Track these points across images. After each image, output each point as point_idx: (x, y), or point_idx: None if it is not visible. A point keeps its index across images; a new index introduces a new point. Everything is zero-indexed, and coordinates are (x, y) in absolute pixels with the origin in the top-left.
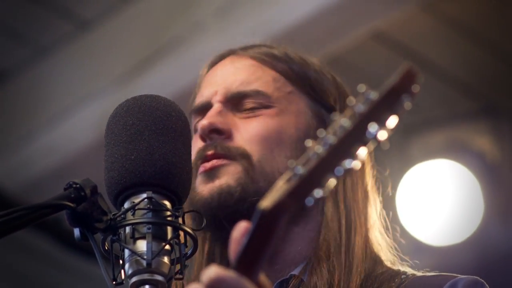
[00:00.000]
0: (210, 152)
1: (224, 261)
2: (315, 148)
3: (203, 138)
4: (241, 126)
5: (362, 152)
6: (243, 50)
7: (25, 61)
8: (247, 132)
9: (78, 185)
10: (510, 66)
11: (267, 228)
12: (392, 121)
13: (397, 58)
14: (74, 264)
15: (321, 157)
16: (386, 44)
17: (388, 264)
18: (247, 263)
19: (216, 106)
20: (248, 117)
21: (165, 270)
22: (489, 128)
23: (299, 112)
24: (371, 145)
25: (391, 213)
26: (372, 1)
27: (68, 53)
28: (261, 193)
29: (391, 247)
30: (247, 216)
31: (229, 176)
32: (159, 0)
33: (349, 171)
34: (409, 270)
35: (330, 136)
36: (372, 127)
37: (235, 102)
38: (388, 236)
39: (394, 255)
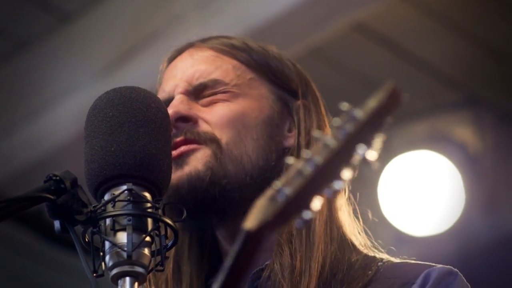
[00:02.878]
0: (179, 139)
1: (192, 252)
2: (299, 166)
3: None
4: (206, 111)
5: (348, 173)
6: (201, 42)
7: (5, 55)
8: (213, 116)
9: (58, 178)
10: (492, 57)
11: (252, 248)
12: (378, 140)
13: (378, 49)
14: (55, 256)
15: (309, 178)
16: (367, 35)
17: (362, 249)
18: (232, 283)
19: (178, 97)
20: (211, 103)
21: (146, 261)
22: (470, 119)
23: (261, 97)
24: (359, 166)
25: (373, 203)
26: None
27: (48, 46)
28: (230, 176)
29: (361, 231)
30: (218, 201)
31: (198, 161)
32: None
33: (338, 192)
34: (386, 257)
35: (315, 157)
36: (361, 148)
37: (197, 92)
38: (358, 221)
39: (367, 239)
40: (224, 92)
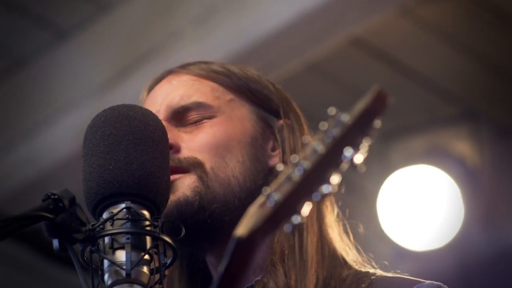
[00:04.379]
0: None
1: (183, 276)
2: (288, 173)
3: None
4: (188, 139)
5: (336, 177)
6: (180, 68)
7: (2, 72)
8: (195, 143)
9: (56, 196)
10: (490, 71)
11: (244, 256)
12: (365, 143)
13: (376, 64)
14: (54, 275)
15: (297, 183)
16: (365, 50)
17: (353, 264)
18: None
19: None
20: (193, 130)
21: (145, 280)
22: (469, 133)
23: (243, 118)
24: (346, 169)
25: (372, 218)
26: (350, 7)
27: (46, 64)
28: (219, 200)
29: (352, 247)
30: (208, 225)
31: (185, 187)
32: (137, 10)
33: (326, 196)
34: (378, 272)
35: (304, 162)
36: (348, 151)
37: (179, 117)
38: (348, 237)
39: (361, 254)
40: (206, 116)
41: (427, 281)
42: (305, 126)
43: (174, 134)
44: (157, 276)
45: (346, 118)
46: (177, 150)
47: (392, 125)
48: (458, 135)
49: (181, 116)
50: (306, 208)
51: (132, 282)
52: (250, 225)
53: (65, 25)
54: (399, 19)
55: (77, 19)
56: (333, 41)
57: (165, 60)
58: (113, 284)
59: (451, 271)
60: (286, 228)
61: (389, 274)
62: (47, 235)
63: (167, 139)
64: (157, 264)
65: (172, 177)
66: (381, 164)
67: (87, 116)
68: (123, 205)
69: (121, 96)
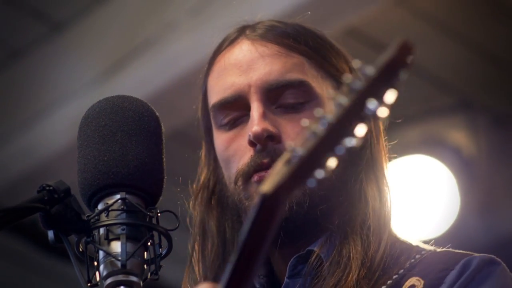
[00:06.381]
0: (266, 160)
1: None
2: (312, 127)
3: (252, 143)
4: (288, 128)
5: (362, 129)
6: (257, 32)
7: None
8: (296, 134)
9: (51, 188)
10: (485, 60)
11: (270, 212)
12: (390, 95)
13: (372, 54)
14: (50, 266)
15: (321, 137)
16: (360, 40)
17: (405, 239)
18: (251, 249)
19: (258, 107)
20: (292, 115)
21: (140, 270)
22: (464, 123)
23: (329, 99)
24: (371, 122)
25: None
26: None
27: (42, 55)
28: (326, 201)
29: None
30: (314, 225)
31: None
32: (132, 1)
33: (350, 150)
34: (428, 247)
35: (328, 115)
36: (372, 103)
37: (274, 95)
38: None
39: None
40: (305, 99)
41: (479, 254)
42: None
43: (273, 120)
44: (152, 267)
45: (370, 70)
46: (279, 141)
47: (387, 115)
48: (454, 124)
49: (276, 93)
50: (331, 163)
51: (127, 273)
52: (275, 181)
53: (61, 17)
54: (394, 8)
55: (72, 11)
56: (328, 31)
57: (160, 51)
58: (109, 275)
59: None
60: (310, 183)
61: (439, 249)
62: (42, 227)
63: (161, 130)
64: (152, 255)
65: None
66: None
67: (83, 107)
68: (118, 196)
69: (117, 88)
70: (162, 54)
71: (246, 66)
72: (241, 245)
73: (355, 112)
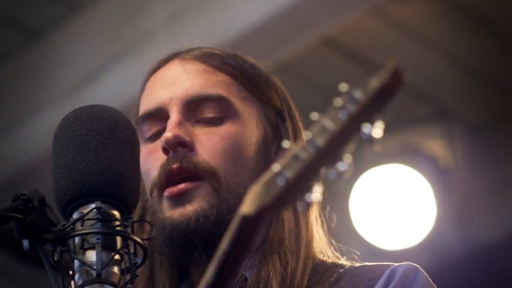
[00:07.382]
0: (175, 166)
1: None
2: (296, 150)
3: (165, 149)
4: (203, 139)
5: (350, 154)
6: (189, 54)
7: None
8: (210, 145)
9: (26, 197)
10: (461, 70)
11: (250, 234)
12: (380, 119)
13: (347, 64)
14: (25, 275)
15: (310, 161)
16: (336, 49)
17: (323, 258)
18: (227, 271)
19: (175, 116)
20: (211, 129)
21: (115, 280)
22: (440, 133)
23: (255, 119)
24: (364, 145)
25: (344, 217)
26: (321, 7)
27: (17, 64)
28: (233, 211)
29: (329, 246)
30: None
31: (201, 199)
32: (108, 10)
33: (343, 174)
34: (347, 263)
35: (316, 139)
36: (366, 127)
37: (193, 108)
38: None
39: (331, 251)
40: (225, 115)
41: (400, 263)
42: (300, 124)
43: (188, 130)
44: (127, 276)
45: (359, 94)
46: (192, 149)
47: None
48: (430, 134)
49: (196, 107)
50: (318, 187)
51: (102, 282)
52: (258, 203)
53: (36, 26)
54: (370, 18)
55: (48, 19)
56: (304, 41)
57: (137, 60)
58: (84, 284)
59: (424, 270)
60: (300, 206)
61: (357, 264)
62: (17, 236)
63: (137, 139)
64: (127, 264)
65: (185, 184)
66: (354, 163)
67: (59, 116)
68: (93, 205)
69: (93, 97)
70: (138, 63)
71: (171, 80)
72: (219, 263)
73: (347, 136)
